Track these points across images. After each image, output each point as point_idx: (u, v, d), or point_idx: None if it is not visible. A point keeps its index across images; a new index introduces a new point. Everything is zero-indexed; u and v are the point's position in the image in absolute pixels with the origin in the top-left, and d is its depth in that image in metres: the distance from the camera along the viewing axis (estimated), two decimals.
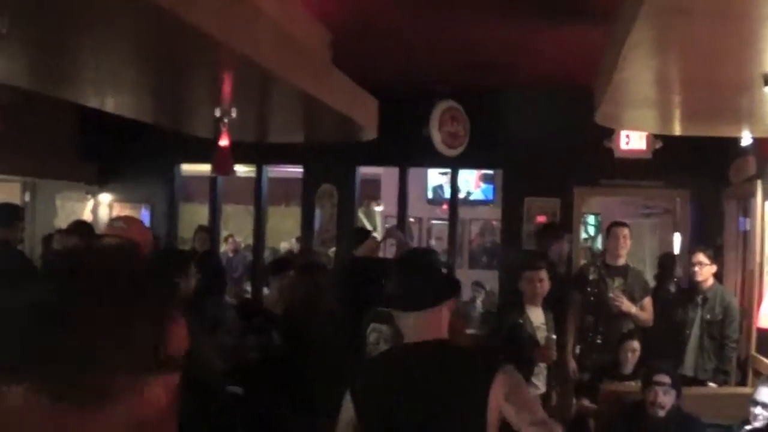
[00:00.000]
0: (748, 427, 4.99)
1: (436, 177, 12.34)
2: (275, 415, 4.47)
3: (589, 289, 6.82)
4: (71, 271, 1.78)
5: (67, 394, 1.66)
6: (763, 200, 6.97)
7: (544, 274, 5.69)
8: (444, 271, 3.29)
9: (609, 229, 7.01)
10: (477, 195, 12.13)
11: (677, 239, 9.14)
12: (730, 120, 6.02)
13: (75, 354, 1.67)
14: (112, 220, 4.87)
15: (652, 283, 7.68)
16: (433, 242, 12.39)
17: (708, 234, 8.60)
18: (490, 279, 10.94)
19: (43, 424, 1.69)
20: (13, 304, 1.75)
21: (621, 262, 6.87)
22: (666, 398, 4.97)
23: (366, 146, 8.58)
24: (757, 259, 7.05)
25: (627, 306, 6.66)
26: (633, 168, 8.77)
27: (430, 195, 12.41)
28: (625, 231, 6.84)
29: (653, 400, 5.00)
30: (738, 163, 7.74)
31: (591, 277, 6.69)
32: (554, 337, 5.55)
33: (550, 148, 8.69)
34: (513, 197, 9.12)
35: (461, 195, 11.61)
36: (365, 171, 10.03)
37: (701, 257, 6.72)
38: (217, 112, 5.84)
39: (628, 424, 5.20)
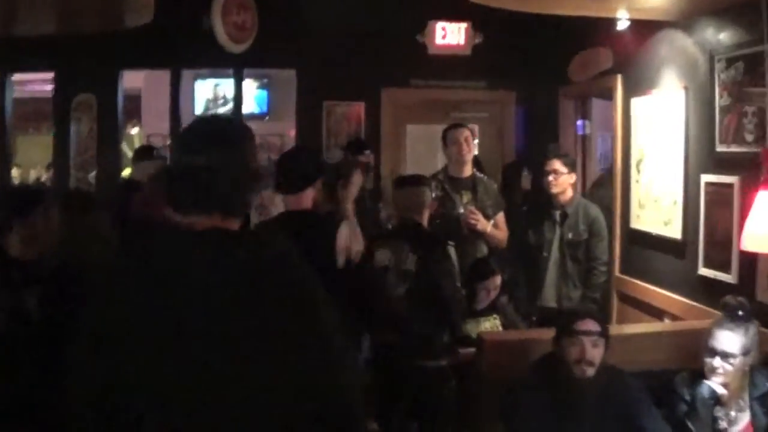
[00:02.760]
0: (708, 384, 3.89)
1: (205, 87, 11.18)
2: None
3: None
4: None
5: None
6: (625, 96, 6.52)
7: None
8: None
9: (446, 134, 6.16)
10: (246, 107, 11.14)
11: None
12: None
13: None
14: None
15: None
16: None
17: (540, 139, 8.14)
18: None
19: None
20: None
21: (467, 172, 6.10)
22: (595, 351, 3.83)
23: (131, 45, 7.43)
24: (618, 165, 6.58)
25: (483, 224, 5.89)
26: (450, 66, 8.15)
27: (199, 109, 11.10)
28: (467, 133, 6.08)
29: (579, 357, 3.80)
30: (583, 58, 7.27)
31: (433, 194, 5.61)
32: None
33: (352, 43, 7.90)
34: (309, 102, 8.19)
35: (224, 108, 10.81)
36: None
37: (557, 164, 6.16)
38: None
39: (545, 390, 3.87)
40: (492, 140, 8.33)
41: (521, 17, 7.71)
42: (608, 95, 6.87)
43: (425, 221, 5.14)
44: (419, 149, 8.17)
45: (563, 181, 6.17)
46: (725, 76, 5.02)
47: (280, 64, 8.21)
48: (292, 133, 11.29)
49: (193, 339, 2.02)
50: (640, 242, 6.26)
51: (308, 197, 4.15)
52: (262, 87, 11.22)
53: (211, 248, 2.13)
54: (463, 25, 8.13)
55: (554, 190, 6.17)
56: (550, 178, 6.15)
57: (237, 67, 8.24)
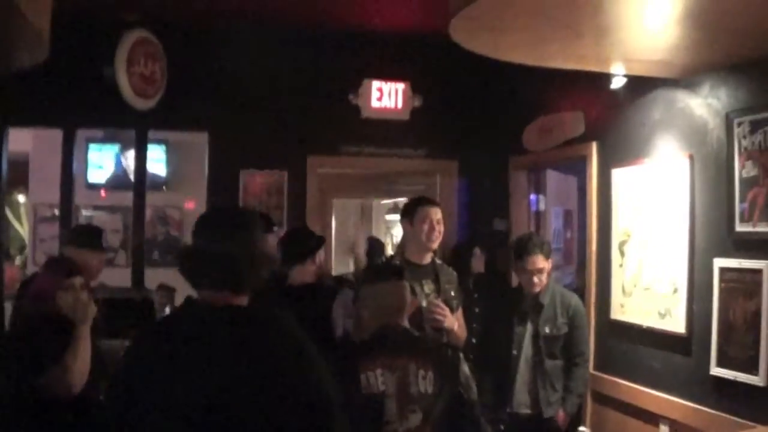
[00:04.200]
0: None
1: (100, 153, 10.11)
2: None
3: None
4: None
5: None
6: (602, 166, 5.91)
7: None
8: None
9: (413, 210, 4.93)
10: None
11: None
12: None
13: None
14: None
15: None
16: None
17: (484, 215, 7.55)
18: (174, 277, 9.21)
19: None
20: None
21: (428, 258, 4.96)
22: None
23: (18, 98, 6.36)
24: (593, 246, 5.97)
25: (450, 321, 4.76)
26: (385, 132, 7.50)
27: (89, 176, 10.07)
28: (440, 213, 4.97)
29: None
30: (544, 123, 6.65)
31: None
32: None
33: (275, 102, 7.23)
34: (223, 170, 7.30)
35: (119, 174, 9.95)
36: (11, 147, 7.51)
37: (541, 261, 5.27)
38: None
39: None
40: None
41: (466, 78, 7.23)
42: (575, 166, 6.31)
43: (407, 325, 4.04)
44: (347, 225, 7.47)
45: (546, 278, 5.35)
46: (748, 142, 4.38)
47: (190, 125, 7.25)
48: (192, 205, 10.47)
49: (196, 393, 2.51)
50: (624, 336, 5.49)
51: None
52: (158, 157, 10.05)
53: (223, 324, 2.62)
54: (401, 86, 7.47)
55: (537, 289, 5.32)
56: (535, 279, 5.27)
57: (140, 127, 7.21)
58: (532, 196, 7.40)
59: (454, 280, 4.97)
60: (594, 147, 6.02)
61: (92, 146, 10.03)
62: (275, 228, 6.02)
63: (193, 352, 2.57)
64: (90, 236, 5.49)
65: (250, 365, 2.54)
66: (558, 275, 6.79)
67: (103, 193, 10.19)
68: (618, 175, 5.66)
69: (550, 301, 5.30)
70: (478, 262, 6.63)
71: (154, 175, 9.74)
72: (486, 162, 7.44)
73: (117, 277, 6.88)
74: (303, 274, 5.08)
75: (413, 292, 4.40)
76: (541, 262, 5.26)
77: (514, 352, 5.32)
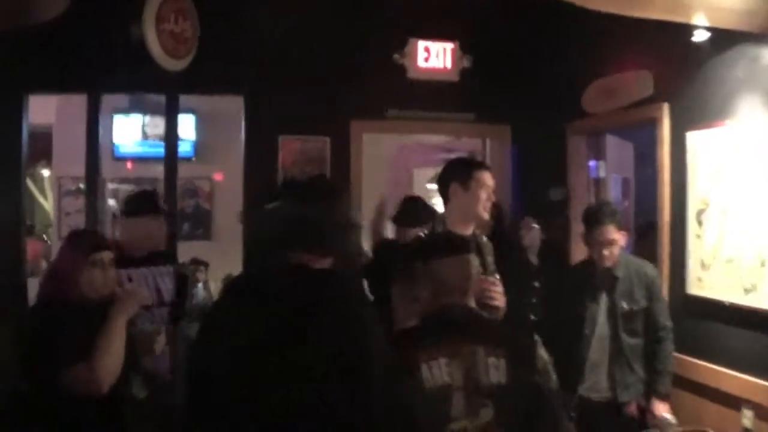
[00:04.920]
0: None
1: (126, 123, 9.89)
2: None
3: None
4: None
5: None
6: (676, 129, 5.48)
7: None
8: None
9: (469, 172, 4.28)
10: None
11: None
12: None
13: None
14: None
15: None
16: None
17: (539, 184, 7.14)
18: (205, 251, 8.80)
19: None
20: None
21: (470, 229, 4.33)
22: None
23: (39, 63, 6.16)
24: (666, 216, 5.58)
25: (502, 300, 4.10)
26: (433, 95, 7.07)
27: (117, 147, 9.91)
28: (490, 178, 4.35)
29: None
30: (606, 84, 6.24)
31: None
32: None
33: (315, 65, 6.80)
34: (260, 137, 6.90)
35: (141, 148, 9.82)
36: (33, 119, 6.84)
37: (613, 232, 4.95)
38: None
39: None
40: None
41: (519, 37, 6.84)
42: (632, 131, 5.93)
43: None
44: (397, 195, 7.07)
45: (617, 250, 5.02)
46: None
47: (224, 89, 6.91)
48: (221, 177, 10.16)
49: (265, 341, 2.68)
50: (702, 313, 5.12)
51: None
52: (189, 124, 9.87)
53: (292, 284, 2.79)
54: (450, 45, 7.07)
55: (609, 263, 5.00)
56: (605, 252, 4.95)
57: (171, 92, 6.87)
58: (591, 163, 7.01)
59: (491, 252, 4.57)
60: (665, 109, 5.60)
61: (117, 116, 9.75)
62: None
63: (266, 308, 2.74)
64: (146, 201, 5.11)
65: (307, 325, 2.68)
66: None
67: (129, 165, 9.89)
68: (694, 138, 5.26)
69: (625, 273, 4.94)
70: (528, 234, 6.23)
71: (182, 145, 9.50)
72: (541, 127, 6.98)
73: None
74: None
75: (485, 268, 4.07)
76: (613, 233, 4.91)
77: (586, 331, 4.98)
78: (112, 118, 9.64)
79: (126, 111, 9.73)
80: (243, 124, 6.98)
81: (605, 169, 7.01)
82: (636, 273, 4.98)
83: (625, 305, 4.91)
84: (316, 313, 2.70)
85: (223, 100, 7.43)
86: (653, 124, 5.74)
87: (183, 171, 8.61)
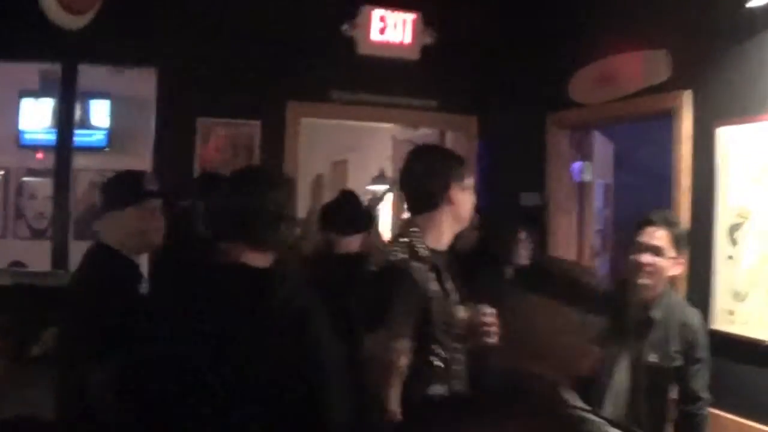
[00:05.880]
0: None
1: (32, 104, 8.78)
2: None
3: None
4: None
5: None
6: (702, 123, 4.57)
7: None
8: None
9: (459, 173, 3.42)
10: (83, 135, 8.51)
11: None
12: None
13: None
14: None
15: None
16: (30, 206, 9.11)
17: (509, 186, 6.25)
18: None
19: None
20: None
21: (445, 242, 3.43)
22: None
23: None
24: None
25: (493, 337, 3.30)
26: (388, 75, 6.18)
27: (23, 133, 8.82)
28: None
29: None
30: (603, 69, 5.34)
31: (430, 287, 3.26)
32: None
33: (246, 34, 5.86)
34: (175, 118, 5.89)
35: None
36: None
37: (664, 237, 3.83)
38: None
39: None
40: None
41: (493, 8, 5.95)
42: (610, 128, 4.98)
43: None
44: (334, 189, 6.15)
45: (663, 268, 3.85)
46: None
47: (133, 59, 5.83)
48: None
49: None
50: (733, 354, 4.15)
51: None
52: (101, 109, 8.89)
53: (227, 279, 2.88)
54: (410, 16, 6.17)
55: (647, 280, 3.83)
56: (646, 259, 3.80)
57: (68, 60, 5.79)
58: (576, 164, 6.07)
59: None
60: (687, 97, 4.68)
61: (26, 100, 8.68)
62: None
63: (197, 304, 2.82)
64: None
65: (237, 322, 2.73)
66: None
67: (40, 154, 8.77)
68: (727, 135, 4.31)
69: (663, 317, 3.85)
70: (524, 250, 5.25)
71: (95, 134, 8.75)
72: (514, 118, 6.08)
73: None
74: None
75: (444, 293, 3.24)
76: (662, 239, 3.85)
77: (605, 379, 3.93)
78: (18, 101, 8.63)
79: (36, 94, 8.57)
80: (155, 103, 5.86)
81: (591, 172, 6.04)
82: (677, 320, 3.87)
83: (654, 358, 3.84)
84: (254, 316, 2.75)
85: (143, 81, 6.27)
86: (668, 116, 4.81)
87: (95, 162, 8.24)
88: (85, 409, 3.04)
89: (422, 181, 3.27)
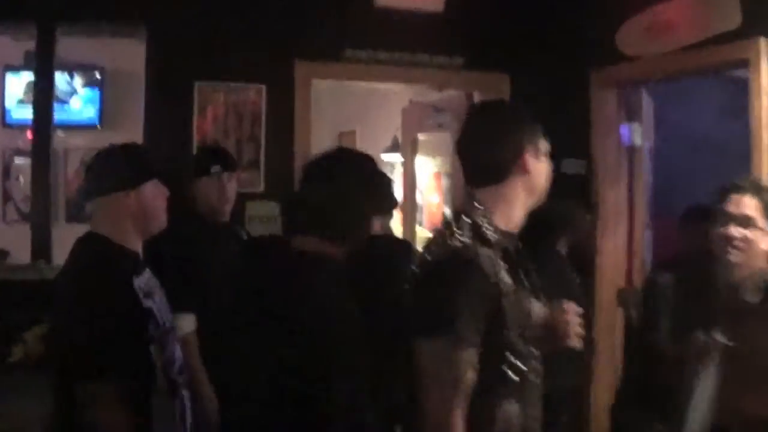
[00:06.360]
0: None
1: (16, 80, 8.23)
2: None
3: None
4: None
5: None
6: None
7: None
8: None
9: (539, 132, 2.80)
10: (73, 112, 8.41)
11: None
12: None
13: None
14: None
15: None
16: (18, 188, 8.60)
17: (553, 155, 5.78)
18: None
19: None
20: None
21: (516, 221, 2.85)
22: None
23: None
24: None
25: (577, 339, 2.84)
26: (408, 30, 5.60)
27: (9, 111, 8.33)
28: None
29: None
30: (656, 17, 4.84)
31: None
32: None
33: None
34: (168, 82, 5.30)
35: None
36: None
37: (752, 208, 3.29)
38: None
39: None
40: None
41: None
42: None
43: None
44: None
45: (755, 241, 3.28)
46: None
47: (119, 16, 5.22)
48: None
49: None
50: None
51: None
52: (92, 84, 8.33)
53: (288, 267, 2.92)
54: None
55: (738, 257, 3.27)
56: (735, 232, 3.24)
57: (43, 20, 5.17)
58: (624, 127, 5.55)
59: None
60: (765, 45, 4.16)
61: (10, 74, 8.19)
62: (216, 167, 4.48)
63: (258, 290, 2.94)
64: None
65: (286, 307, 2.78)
66: None
67: (29, 134, 8.25)
68: None
69: (764, 299, 3.24)
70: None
71: (85, 110, 8.22)
72: (552, 76, 5.54)
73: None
74: None
75: (519, 285, 2.60)
76: (751, 208, 3.24)
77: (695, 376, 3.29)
78: (3, 77, 8.15)
79: (18, 68, 8.06)
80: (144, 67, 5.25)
81: (641, 135, 5.47)
82: None
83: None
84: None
85: (137, 54, 5.69)
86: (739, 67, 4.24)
87: (85, 140, 7.79)
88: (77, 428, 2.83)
89: (488, 146, 2.64)
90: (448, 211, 7.20)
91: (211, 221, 4.32)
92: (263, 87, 5.41)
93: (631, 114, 5.56)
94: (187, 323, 3.93)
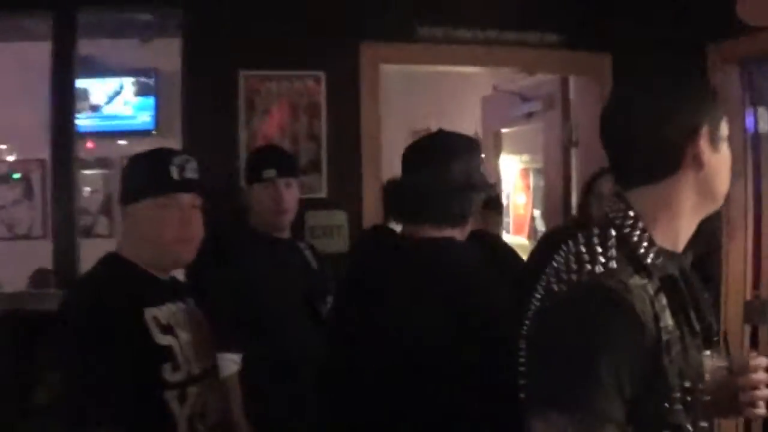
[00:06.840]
0: None
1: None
2: None
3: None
4: None
5: None
6: None
7: None
8: None
9: (719, 111, 2.09)
10: (126, 119, 8.21)
11: None
12: None
13: None
14: None
15: None
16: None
17: None
18: None
19: None
20: None
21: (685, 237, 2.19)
22: None
23: None
24: None
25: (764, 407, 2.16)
26: (492, 3, 4.99)
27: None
28: None
29: None
30: None
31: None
32: None
33: None
34: (210, 71, 4.67)
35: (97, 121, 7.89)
36: None
37: None
38: None
39: None
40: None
41: None
42: None
43: None
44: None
45: None
46: None
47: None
48: None
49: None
50: None
51: None
52: (145, 92, 8.01)
53: (404, 258, 2.76)
54: None
55: None
56: None
57: (64, 5, 4.58)
58: (749, 112, 4.79)
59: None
60: None
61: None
62: (271, 172, 3.86)
63: (379, 285, 2.72)
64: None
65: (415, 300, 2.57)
66: None
67: (90, 144, 8.01)
68: None
69: None
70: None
71: (137, 115, 8.05)
72: (662, 54, 4.64)
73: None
74: None
75: (687, 329, 1.88)
76: None
77: None
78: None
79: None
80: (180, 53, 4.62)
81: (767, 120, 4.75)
82: None
83: None
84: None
85: None
86: None
87: (142, 147, 7.13)
88: None
89: (646, 130, 1.87)
90: (537, 213, 6.55)
91: (266, 236, 3.71)
92: (322, 74, 4.78)
93: (757, 96, 4.78)
94: (229, 365, 3.30)
